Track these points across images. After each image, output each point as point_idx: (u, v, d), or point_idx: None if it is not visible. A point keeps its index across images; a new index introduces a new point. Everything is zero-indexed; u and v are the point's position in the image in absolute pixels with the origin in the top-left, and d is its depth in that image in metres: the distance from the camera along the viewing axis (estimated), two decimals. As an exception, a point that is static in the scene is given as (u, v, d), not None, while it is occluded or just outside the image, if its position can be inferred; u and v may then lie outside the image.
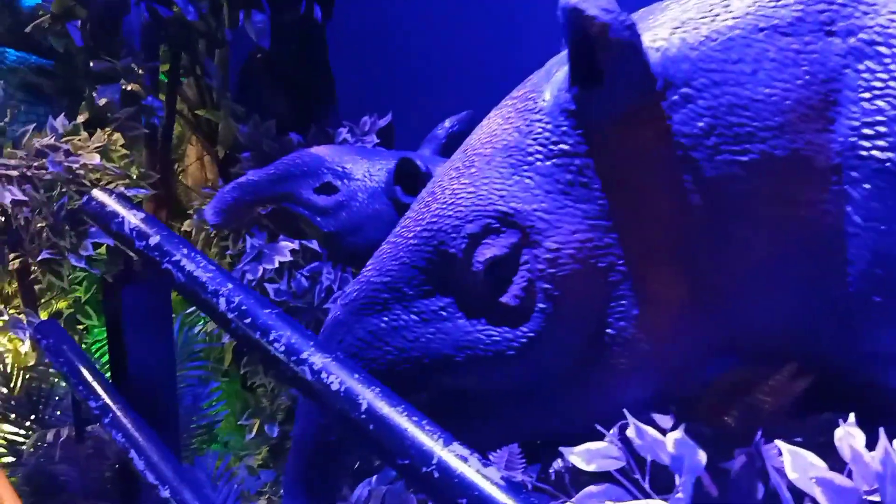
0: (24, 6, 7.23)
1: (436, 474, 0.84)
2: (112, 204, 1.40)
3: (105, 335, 3.04)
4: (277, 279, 3.04)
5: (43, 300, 2.96)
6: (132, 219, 1.34)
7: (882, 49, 1.14)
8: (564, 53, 1.29)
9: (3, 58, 5.54)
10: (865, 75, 1.14)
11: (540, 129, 1.27)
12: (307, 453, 1.33)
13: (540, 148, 1.29)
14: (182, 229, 3.29)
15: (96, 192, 1.43)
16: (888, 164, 1.10)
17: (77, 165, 2.56)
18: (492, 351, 1.23)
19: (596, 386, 1.28)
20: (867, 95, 1.13)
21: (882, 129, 1.11)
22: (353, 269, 2.61)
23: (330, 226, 2.31)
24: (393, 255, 1.32)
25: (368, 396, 0.94)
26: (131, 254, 1.35)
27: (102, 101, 2.72)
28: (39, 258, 2.59)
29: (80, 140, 2.75)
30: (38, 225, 2.65)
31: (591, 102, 1.23)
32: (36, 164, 2.57)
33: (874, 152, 1.11)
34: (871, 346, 1.17)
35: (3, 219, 2.61)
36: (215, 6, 2.73)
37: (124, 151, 2.87)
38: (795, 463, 1.01)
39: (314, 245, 2.86)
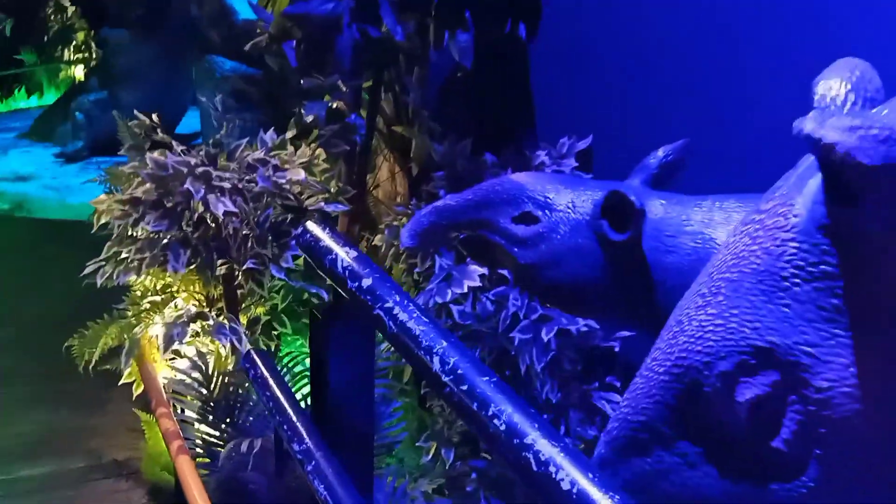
0: (237, 19, 7.73)
1: None
2: (326, 239, 1.37)
3: (298, 346, 3.14)
4: (462, 301, 2.99)
5: (244, 304, 3.10)
6: (346, 257, 1.30)
7: None
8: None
9: (220, 67, 5.94)
10: None
11: (795, 249, 1.10)
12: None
13: (796, 270, 1.10)
14: (373, 243, 3.34)
15: (311, 226, 1.42)
16: None
17: (284, 181, 2.64)
18: (768, 502, 1.11)
19: None
20: None
21: None
22: (547, 303, 2.51)
23: (527, 258, 2.22)
24: (646, 391, 1.21)
25: (605, 504, 0.82)
26: (342, 292, 1.32)
27: (310, 118, 2.79)
28: (244, 266, 2.70)
29: (286, 154, 2.84)
30: (244, 233, 2.77)
31: (852, 218, 1.04)
32: (247, 177, 2.68)
33: None
34: None
35: (214, 227, 2.75)
36: (422, 26, 2.72)
37: (325, 166, 2.94)
38: None
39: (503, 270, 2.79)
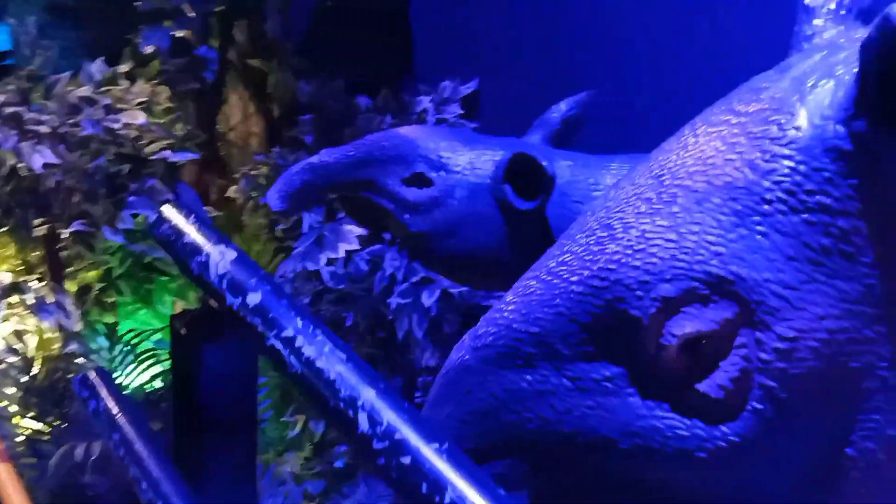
0: None
1: None
2: (190, 232, 1.02)
3: (142, 317, 2.71)
4: (333, 261, 2.69)
5: (70, 269, 2.62)
6: (222, 261, 0.97)
7: None
8: (819, 57, 0.92)
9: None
10: None
11: (788, 170, 0.91)
12: None
13: (785, 196, 0.92)
14: (227, 195, 2.93)
15: (168, 212, 1.06)
16: None
17: (118, 125, 2.18)
18: (673, 447, 0.94)
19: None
20: None
21: None
22: (440, 274, 2.25)
23: (420, 225, 1.92)
24: (544, 299, 0.99)
25: None
26: (215, 305, 0.99)
27: (149, 49, 2.32)
28: (70, 229, 2.24)
29: (120, 91, 2.36)
30: (70, 187, 2.29)
31: (886, 146, 0.85)
32: (71, 120, 2.19)
33: None
34: None
35: (29, 180, 2.25)
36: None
37: (169, 105, 2.49)
38: None
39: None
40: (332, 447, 2.80)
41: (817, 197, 0.86)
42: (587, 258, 0.95)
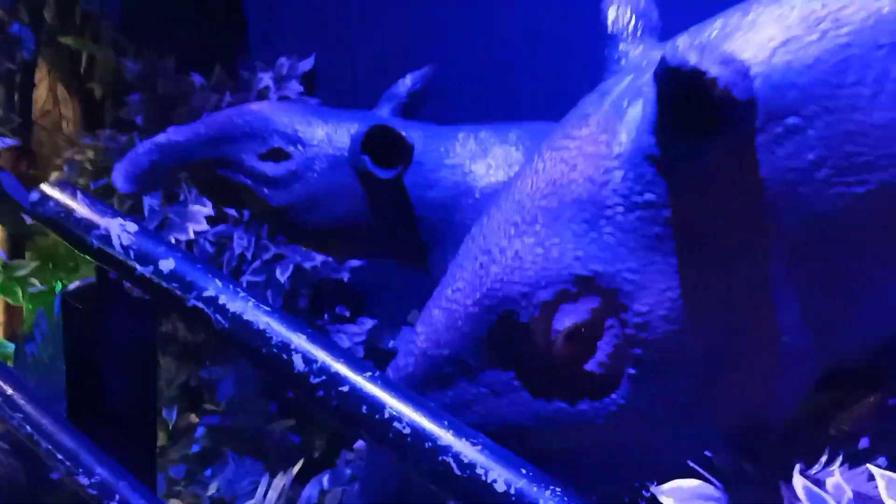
0: None
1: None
2: (83, 208, 1.01)
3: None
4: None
5: None
6: (123, 233, 0.97)
7: None
8: (629, 80, 1.11)
9: None
10: None
11: (620, 179, 1.09)
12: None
13: (621, 200, 1.09)
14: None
15: (50, 190, 1.03)
16: None
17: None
18: (576, 421, 1.12)
19: (690, 438, 1.14)
20: None
21: None
22: (305, 248, 2.26)
23: (281, 199, 1.94)
24: (449, 324, 1.16)
25: None
26: (125, 280, 0.99)
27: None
28: None
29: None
30: None
31: (685, 149, 1.05)
32: None
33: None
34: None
35: None
36: None
37: (-23, 88, 2.28)
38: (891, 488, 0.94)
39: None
40: (188, 432, 2.73)
41: (645, 196, 1.04)
42: (476, 283, 1.12)
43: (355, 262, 2.84)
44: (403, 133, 1.80)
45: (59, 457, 0.98)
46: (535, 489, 0.80)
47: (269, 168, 1.94)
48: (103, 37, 2.58)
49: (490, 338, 1.11)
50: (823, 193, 1.02)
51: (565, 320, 1.07)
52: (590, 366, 1.08)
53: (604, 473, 1.15)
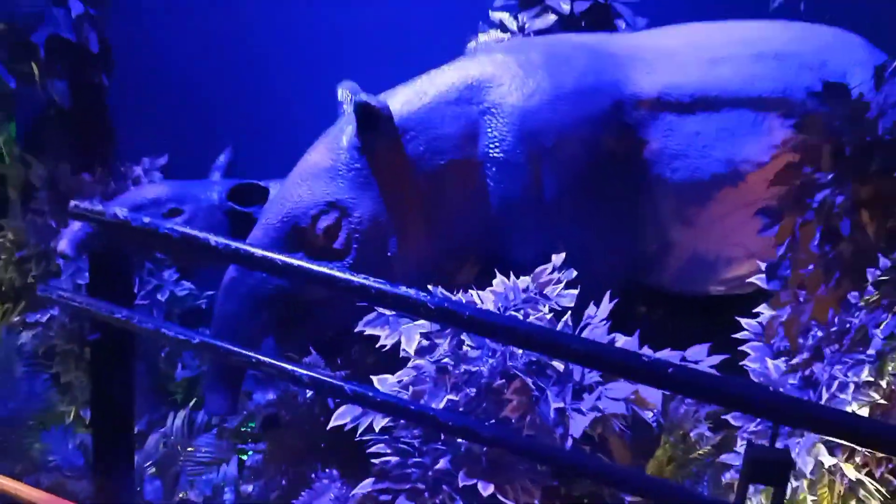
0: None
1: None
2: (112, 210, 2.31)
3: None
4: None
5: None
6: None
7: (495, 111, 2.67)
8: (348, 116, 2.64)
9: None
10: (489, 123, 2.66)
11: (344, 156, 2.63)
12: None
13: (344, 166, 2.62)
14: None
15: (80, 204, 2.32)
16: (501, 158, 2.60)
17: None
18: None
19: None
20: (489, 132, 2.64)
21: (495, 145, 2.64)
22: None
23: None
24: (265, 234, 2.57)
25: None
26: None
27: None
28: None
29: None
30: None
31: (368, 142, 2.60)
32: None
33: (494, 154, 2.63)
34: (504, 241, 2.65)
35: None
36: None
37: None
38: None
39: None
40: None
41: (356, 164, 2.64)
42: (279, 212, 2.68)
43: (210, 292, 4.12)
44: (265, 185, 3.22)
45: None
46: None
47: (172, 222, 3.26)
48: (16, 156, 3.78)
49: (286, 238, 2.57)
50: (427, 162, 2.61)
51: (323, 223, 2.56)
52: (336, 244, 2.57)
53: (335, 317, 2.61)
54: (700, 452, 2.60)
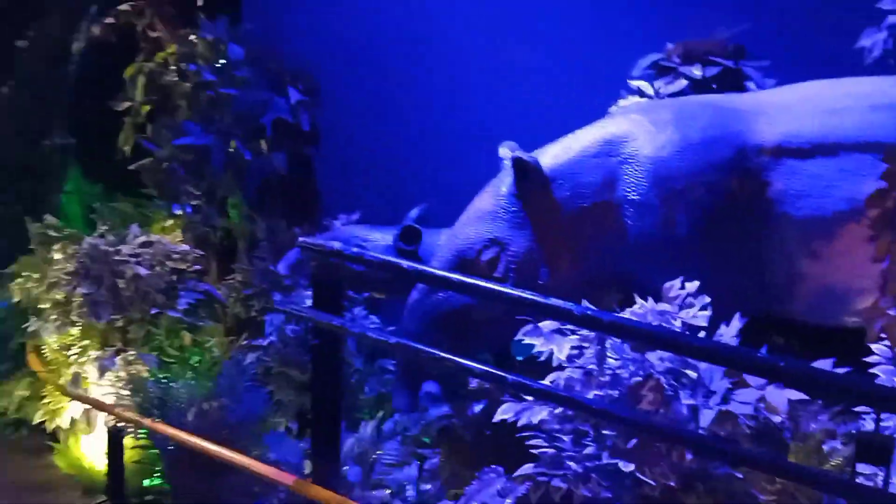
0: None
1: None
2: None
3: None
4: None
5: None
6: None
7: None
8: (507, 169, 3.25)
9: None
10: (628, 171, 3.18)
11: (504, 201, 3.24)
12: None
13: (503, 209, 3.22)
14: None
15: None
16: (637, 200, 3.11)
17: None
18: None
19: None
20: (626, 179, 3.16)
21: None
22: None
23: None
24: (440, 264, 3.24)
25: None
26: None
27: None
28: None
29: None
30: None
31: (522, 189, 3.18)
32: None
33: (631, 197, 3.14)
34: (640, 271, 3.14)
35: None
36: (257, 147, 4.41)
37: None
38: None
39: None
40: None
41: (513, 208, 3.36)
42: (450, 247, 3.46)
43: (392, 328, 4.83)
44: (420, 229, 3.93)
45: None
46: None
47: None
48: (245, 214, 4.72)
49: (456, 268, 3.22)
50: (573, 206, 3.23)
51: (486, 256, 3.26)
52: (497, 273, 3.22)
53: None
54: (832, 464, 2.86)
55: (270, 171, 4.52)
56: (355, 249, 2.84)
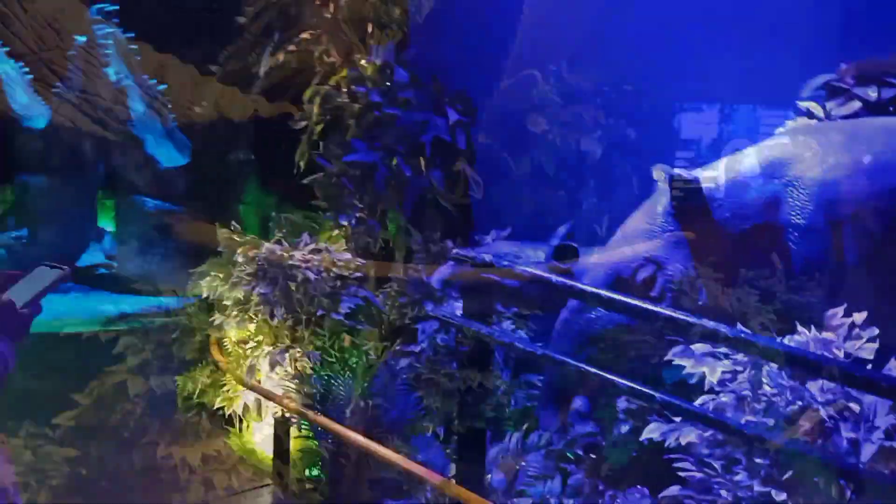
0: (160, 167, 9.05)
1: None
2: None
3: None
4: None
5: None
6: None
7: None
8: (662, 189, 3.26)
9: (144, 206, 7.44)
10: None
11: (660, 220, 3.24)
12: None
13: (659, 228, 3.22)
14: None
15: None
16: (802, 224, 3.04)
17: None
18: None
19: None
20: (790, 201, 3.10)
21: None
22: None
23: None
24: (594, 284, 3.24)
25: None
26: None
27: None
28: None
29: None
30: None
31: (680, 208, 3.19)
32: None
33: (795, 220, 3.07)
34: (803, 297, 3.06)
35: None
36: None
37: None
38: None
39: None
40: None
41: (669, 226, 3.37)
42: (606, 263, 3.37)
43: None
44: (575, 245, 3.99)
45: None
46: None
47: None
48: (403, 227, 4.96)
49: (611, 286, 3.25)
50: (731, 221, 3.16)
51: (642, 275, 3.26)
52: (653, 293, 3.17)
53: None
54: None
55: (428, 187, 4.73)
56: (506, 263, 2.95)
